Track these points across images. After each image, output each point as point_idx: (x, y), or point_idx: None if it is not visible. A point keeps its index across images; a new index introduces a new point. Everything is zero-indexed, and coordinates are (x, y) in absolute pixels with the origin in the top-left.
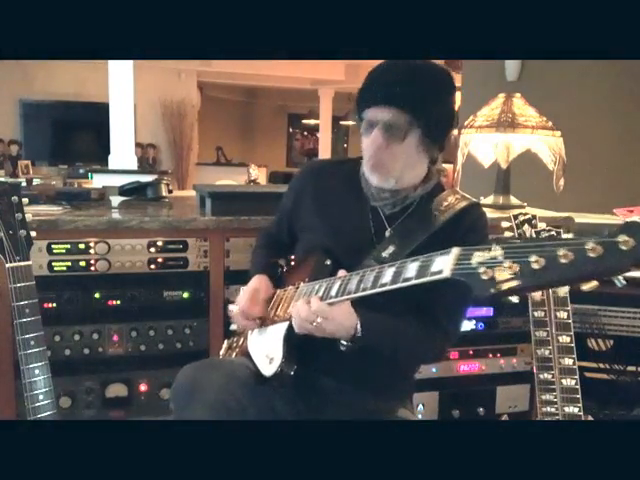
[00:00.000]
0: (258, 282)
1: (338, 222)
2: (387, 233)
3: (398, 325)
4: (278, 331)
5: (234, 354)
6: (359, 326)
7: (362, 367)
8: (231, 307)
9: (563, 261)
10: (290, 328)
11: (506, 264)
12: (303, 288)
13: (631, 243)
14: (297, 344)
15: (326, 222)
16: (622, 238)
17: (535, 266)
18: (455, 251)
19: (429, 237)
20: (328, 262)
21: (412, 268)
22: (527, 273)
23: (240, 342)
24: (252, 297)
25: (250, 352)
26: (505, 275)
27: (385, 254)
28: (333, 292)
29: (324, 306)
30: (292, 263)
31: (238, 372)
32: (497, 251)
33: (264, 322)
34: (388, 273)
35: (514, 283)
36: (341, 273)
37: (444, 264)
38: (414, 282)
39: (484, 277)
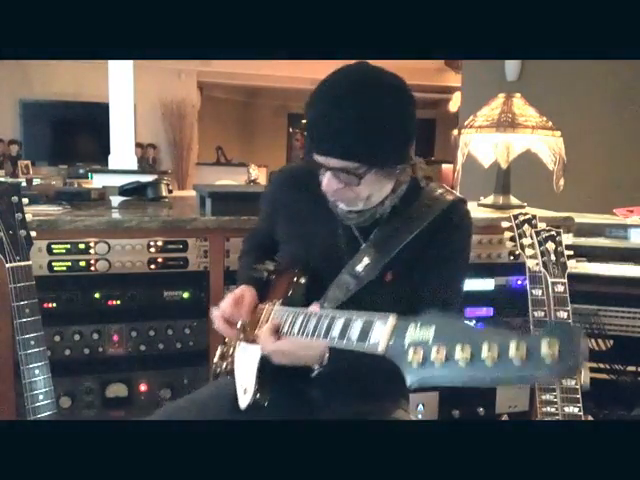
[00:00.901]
0: (244, 289)
1: (311, 237)
2: (361, 246)
3: None
4: (253, 357)
5: (225, 364)
6: (327, 354)
7: (349, 376)
8: (214, 310)
9: (488, 363)
10: (261, 361)
11: (434, 352)
12: (276, 313)
13: (555, 356)
14: (275, 374)
15: (299, 236)
16: (545, 349)
17: (461, 364)
18: (391, 321)
19: (409, 242)
20: (302, 280)
21: (356, 329)
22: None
23: (231, 352)
24: (235, 301)
25: (235, 370)
26: (429, 371)
27: (360, 267)
28: (295, 329)
29: (280, 343)
30: (277, 268)
31: (225, 389)
32: (429, 331)
33: (246, 335)
34: (338, 325)
35: (435, 380)
36: (312, 308)
37: (380, 335)
38: (354, 347)
39: (413, 365)
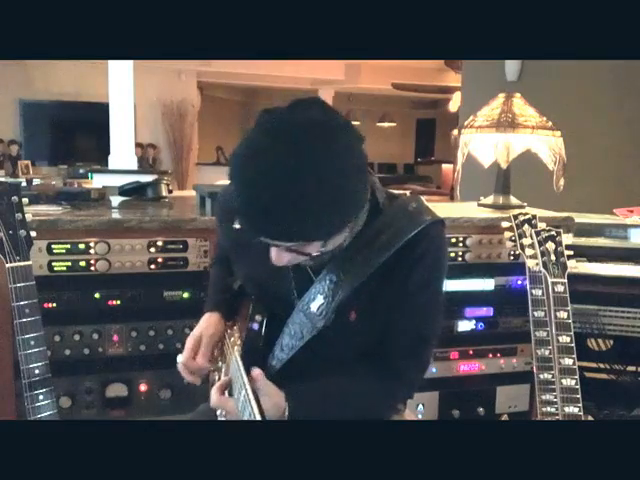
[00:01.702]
0: (203, 327)
1: (260, 273)
2: (313, 285)
3: (343, 390)
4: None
5: (217, 377)
6: (287, 411)
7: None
8: (178, 358)
9: None
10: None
11: None
12: (232, 365)
13: None
14: None
15: (250, 279)
16: None
17: None
18: None
19: (369, 277)
20: (255, 326)
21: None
22: None
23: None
24: (193, 347)
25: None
26: None
27: (314, 308)
28: (239, 404)
29: (226, 404)
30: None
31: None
32: None
33: (212, 373)
34: (251, 414)
35: None
36: (254, 373)
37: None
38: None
39: None
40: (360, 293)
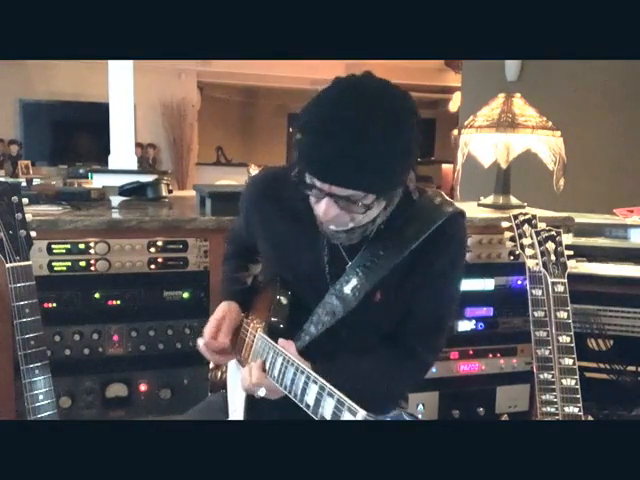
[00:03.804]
0: (225, 310)
1: (292, 254)
2: (347, 267)
3: (363, 368)
4: (240, 391)
5: (219, 374)
6: None
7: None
8: (199, 341)
9: None
10: (247, 395)
11: None
12: (258, 342)
13: None
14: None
15: (279, 254)
16: None
17: None
18: (360, 418)
19: (400, 261)
20: (285, 301)
21: (327, 409)
22: None
23: (222, 370)
24: (216, 327)
25: (227, 384)
26: None
27: (347, 290)
28: (275, 372)
29: (266, 381)
30: (261, 276)
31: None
32: None
33: (234, 356)
34: (312, 392)
35: None
36: (283, 342)
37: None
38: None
39: None
40: (388, 276)
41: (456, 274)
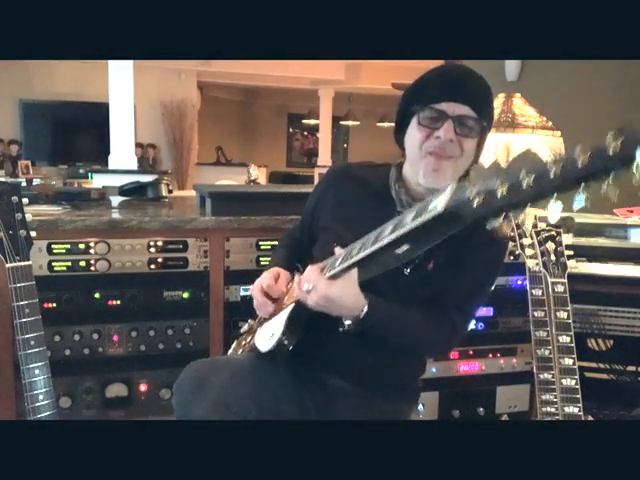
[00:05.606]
0: (279, 269)
1: (356, 220)
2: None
3: (404, 312)
4: (284, 314)
5: (240, 350)
6: (366, 307)
7: (373, 368)
8: (253, 287)
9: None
10: (295, 308)
11: (498, 184)
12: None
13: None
14: (304, 324)
15: (343, 224)
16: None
17: (524, 184)
18: (451, 186)
19: (450, 237)
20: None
21: (410, 213)
22: (517, 187)
23: (249, 339)
24: (275, 275)
25: (255, 342)
26: (497, 193)
27: (399, 251)
28: (337, 263)
29: (321, 278)
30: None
31: (243, 372)
32: (493, 182)
33: (278, 306)
34: (388, 227)
35: (504, 199)
36: (338, 251)
37: (439, 201)
38: (412, 226)
39: (475, 203)
40: (440, 247)
41: (492, 273)
